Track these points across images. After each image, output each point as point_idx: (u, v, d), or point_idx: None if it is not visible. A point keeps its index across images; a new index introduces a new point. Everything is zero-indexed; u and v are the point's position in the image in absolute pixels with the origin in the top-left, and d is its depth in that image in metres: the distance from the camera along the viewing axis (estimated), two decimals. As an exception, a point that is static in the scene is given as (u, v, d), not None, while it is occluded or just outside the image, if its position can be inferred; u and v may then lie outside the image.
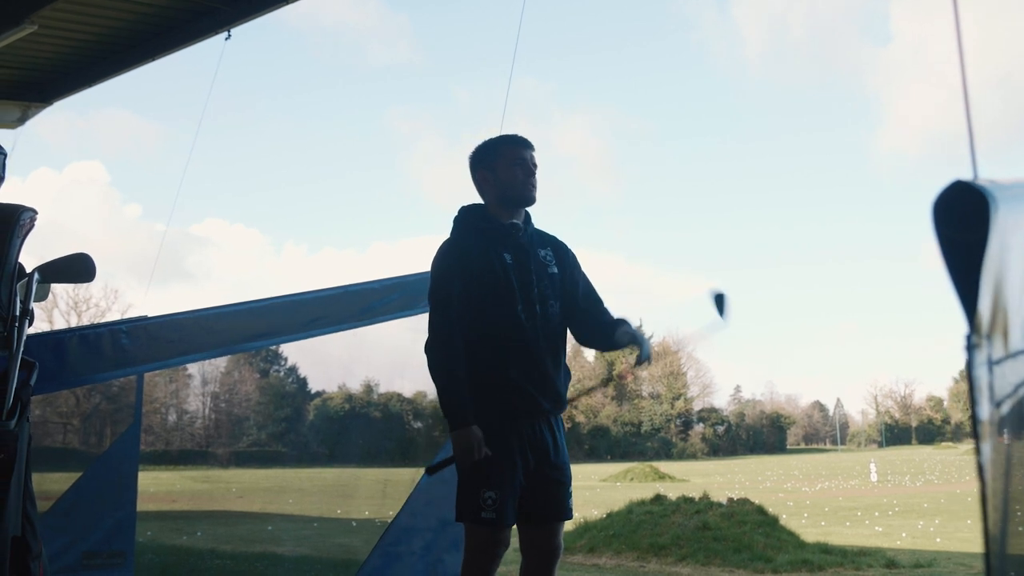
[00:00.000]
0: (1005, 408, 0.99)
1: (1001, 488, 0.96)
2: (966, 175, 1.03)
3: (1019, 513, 1.09)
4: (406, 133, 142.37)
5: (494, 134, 4.17)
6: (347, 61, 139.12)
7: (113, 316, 51.61)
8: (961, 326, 0.92)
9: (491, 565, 3.84)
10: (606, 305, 4.21)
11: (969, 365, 0.93)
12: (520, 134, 4.09)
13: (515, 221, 4.02)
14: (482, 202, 4.12)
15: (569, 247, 4.22)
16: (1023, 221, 1.08)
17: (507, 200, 4.01)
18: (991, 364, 0.95)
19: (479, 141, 4.18)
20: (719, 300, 4.02)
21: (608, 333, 4.05)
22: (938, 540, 15.00)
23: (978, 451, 0.91)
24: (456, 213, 4.13)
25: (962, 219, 0.96)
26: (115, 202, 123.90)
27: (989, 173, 1.13)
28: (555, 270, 4.04)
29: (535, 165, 4.05)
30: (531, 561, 4.00)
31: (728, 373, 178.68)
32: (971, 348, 0.92)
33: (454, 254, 3.94)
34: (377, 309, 6.23)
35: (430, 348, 3.86)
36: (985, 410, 0.93)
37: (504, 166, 4.00)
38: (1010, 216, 0.99)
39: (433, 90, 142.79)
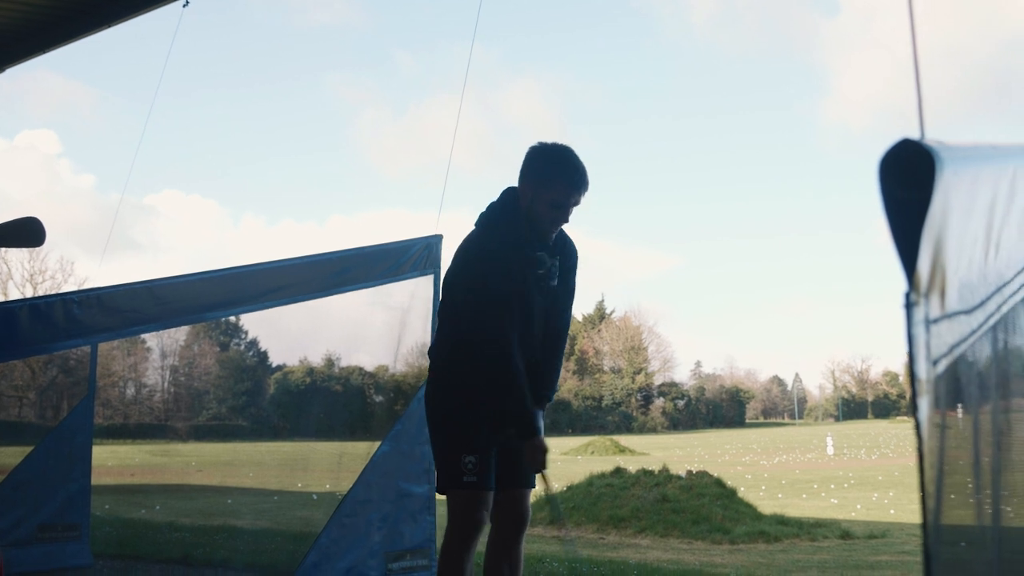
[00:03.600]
0: (941, 367, 1.00)
1: (937, 446, 0.97)
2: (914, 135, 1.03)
3: (957, 475, 1.10)
4: (351, 102, 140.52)
5: (560, 141, 4.11)
6: (290, 22, 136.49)
7: (69, 288, 50.93)
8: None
9: (475, 531, 3.90)
10: (565, 325, 4.30)
11: (908, 323, 0.93)
12: (581, 170, 4.02)
13: (541, 253, 4.01)
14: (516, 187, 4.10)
15: (575, 249, 4.26)
16: (966, 183, 1.08)
17: (529, 220, 4.01)
18: (928, 323, 0.96)
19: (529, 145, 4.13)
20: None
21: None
22: (892, 512, 15.27)
23: (915, 408, 0.92)
24: (501, 195, 4.10)
25: (908, 177, 0.96)
26: (67, 172, 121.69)
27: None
28: (555, 282, 4.11)
29: (577, 204, 4.03)
30: (498, 528, 4.06)
31: (689, 348, 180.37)
32: (909, 306, 0.93)
33: (496, 253, 3.91)
34: (336, 280, 6.19)
35: (493, 350, 3.80)
36: (922, 367, 0.93)
37: (545, 200, 3.96)
38: (954, 177, 1.00)
39: (374, 54, 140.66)
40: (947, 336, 1.01)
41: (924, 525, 0.89)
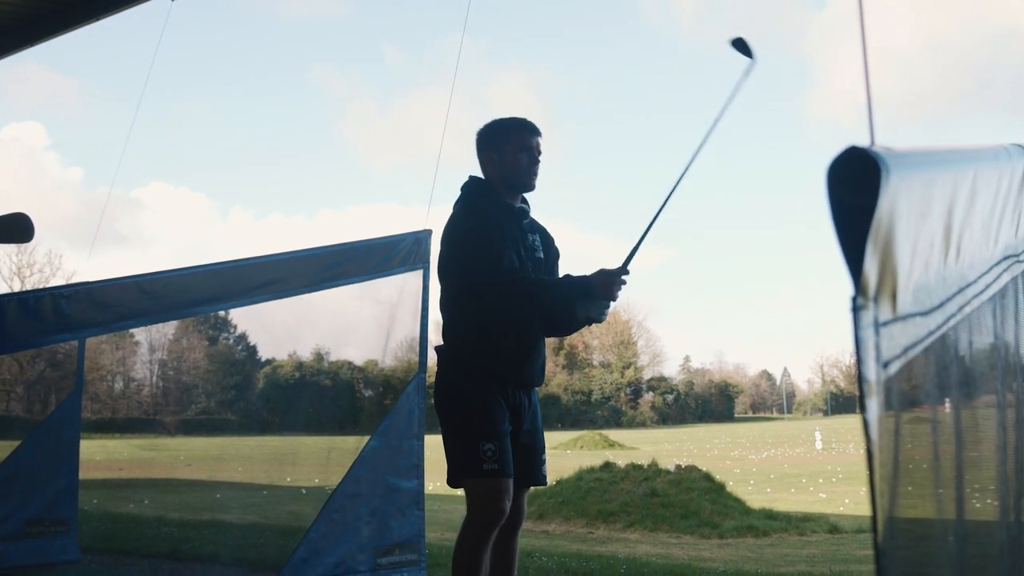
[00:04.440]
0: (893, 368, 1.02)
1: (890, 446, 0.99)
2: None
3: (915, 473, 1.13)
4: (337, 94, 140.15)
5: (504, 115, 4.20)
6: (275, 14, 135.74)
7: (57, 282, 50.73)
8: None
9: (495, 520, 3.81)
10: None
11: (855, 326, 0.95)
12: (528, 119, 4.13)
13: (523, 206, 4.11)
14: (482, 177, 4.15)
15: (554, 241, 4.28)
16: (918, 187, 1.11)
17: (509, 184, 4.07)
18: (878, 325, 0.98)
19: (485, 120, 4.19)
20: (740, 45, 3.90)
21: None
22: (879, 506, 15.33)
23: (863, 409, 0.95)
24: (467, 181, 4.15)
25: (854, 183, 0.99)
26: (54, 165, 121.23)
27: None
28: (541, 255, 4.13)
29: (540, 152, 4.11)
30: None
31: (678, 342, 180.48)
32: (857, 310, 0.95)
33: (485, 221, 3.92)
34: (326, 275, 6.20)
35: (501, 288, 3.81)
36: (871, 370, 0.96)
37: (511, 152, 4.04)
38: (902, 182, 1.03)
39: (359, 46, 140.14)
40: (900, 338, 1.03)
41: (874, 522, 0.92)
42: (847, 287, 0.97)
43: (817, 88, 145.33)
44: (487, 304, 3.88)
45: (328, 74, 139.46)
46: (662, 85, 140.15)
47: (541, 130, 4.14)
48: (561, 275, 4.10)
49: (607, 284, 3.82)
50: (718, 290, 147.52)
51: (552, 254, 4.24)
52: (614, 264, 3.87)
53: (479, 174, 4.17)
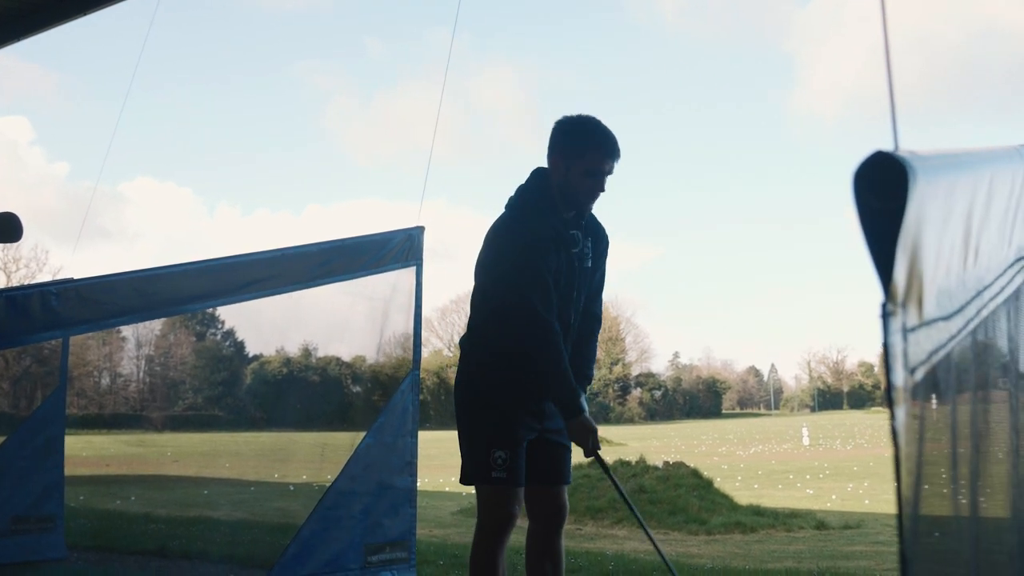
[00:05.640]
0: (919, 375, 1.02)
1: (915, 452, 0.99)
2: (886, 144, 1.05)
3: (935, 476, 1.12)
4: (322, 89, 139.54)
5: (584, 112, 4.01)
6: (260, 8, 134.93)
7: (44, 277, 50.47)
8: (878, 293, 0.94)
9: (505, 526, 3.85)
10: (600, 312, 4.21)
11: (884, 332, 0.95)
12: (611, 137, 3.92)
13: (575, 231, 3.95)
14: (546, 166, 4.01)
15: (606, 234, 4.16)
16: (942, 192, 1.11)
17: (565, 199, 3.93)
18: (905, 331, 0.98)
19: (559, 117, 4.03)
20: None
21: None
22: (867, 502, 15.39)
23: (892, 416, 0.94)
24: (529, 178, 4.01)
25: (881, 188, 0.98)
26: (39, 160, 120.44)
27: (907, 135, 1.16)
28: (589, 264, 4.03)
29: (610, 172, 3.93)
30: (538, 523, 4.04)
31: (666, 339, 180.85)
32: (886, 316, 0.95)
33: (533, 237, 3.80)
34: (318, 272, 6.18)
35: (530, 334, 3.73)
36: (899, 376, 0.95)
37: (579, 171, 3.87)
38: (928, 187, 1.02)
39: (343, 40, 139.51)
40: (925, 343, 1.03)
41: (900, 528, 0.91)
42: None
43: (800, 84, 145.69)
44: (508, 331, 3.83)
45: (311, 69, 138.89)
46: (648, 80, 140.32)
47: (620, 149, 3.94)
48: (582, 374, 4.02)
49: (575, 435, 3.85)
50: (706, 286, 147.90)
51: (600, 249, 4.11)
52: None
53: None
